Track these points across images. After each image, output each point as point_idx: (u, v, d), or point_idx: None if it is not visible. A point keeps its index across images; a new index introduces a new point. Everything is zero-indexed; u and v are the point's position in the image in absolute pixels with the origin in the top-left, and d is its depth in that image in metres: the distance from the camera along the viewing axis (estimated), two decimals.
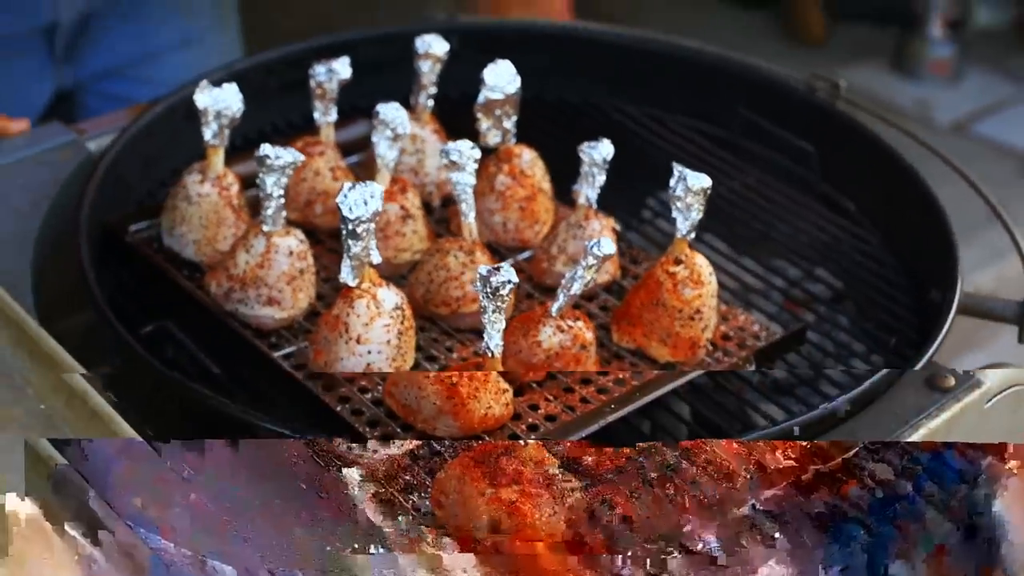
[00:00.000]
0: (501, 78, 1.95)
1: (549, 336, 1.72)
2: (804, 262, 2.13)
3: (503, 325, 1.63)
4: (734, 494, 1.46)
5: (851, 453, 1.51)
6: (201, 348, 1.83)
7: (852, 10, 6.02)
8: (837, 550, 1.44)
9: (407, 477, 1.49)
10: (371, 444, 1.52)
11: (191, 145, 2.15)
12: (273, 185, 1.78)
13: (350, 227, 1.67)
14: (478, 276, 1.61)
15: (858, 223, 2.16)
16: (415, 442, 1.54)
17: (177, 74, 2.35)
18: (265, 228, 1.80)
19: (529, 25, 2.47)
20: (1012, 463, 1.51)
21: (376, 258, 1.71)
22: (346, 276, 1.70)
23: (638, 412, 1.73)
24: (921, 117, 5.31)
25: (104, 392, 1.56)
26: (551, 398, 1.72)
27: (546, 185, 2.01)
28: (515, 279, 1.61)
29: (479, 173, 1.88)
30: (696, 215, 1.78)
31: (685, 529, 1.43)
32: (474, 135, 1.95)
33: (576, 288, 1.71)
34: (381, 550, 1.40)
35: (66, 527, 1.42)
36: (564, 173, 2.00)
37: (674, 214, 1.79)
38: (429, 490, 1.47)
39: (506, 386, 1.67)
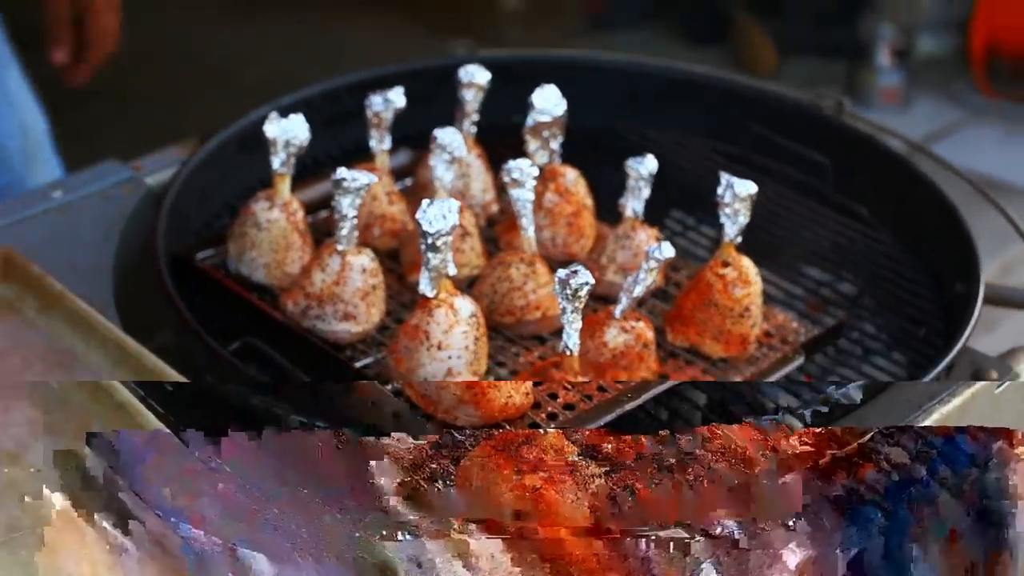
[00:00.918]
0: (548, 101, 2.08)
1: (614, 336, 1.85)
2: (824, 266, 2.26)
3: (580, 325, 1.76)
4: (752, 479, 1.50)
5: (867, 438, 1.55)
6: (285, 361, 1.93)
7: (800, 44, 6.21)
8: (855, 533, 1.49)
9: (432, 465, 1.51)
10: (396, 434, 1.54)
11: (241, 178, 2.28)
12: (348, 206, 1.89)
13: (430, 240, 1.79)
14: (557, 279, 1.73)
15: (873, 227, 2.31)
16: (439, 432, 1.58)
17: None
18: (339, 247, 1.92)
19: (550, 56, 2.61)
20: (1021, 447, 1.55)
21: (452, 270, 1.82)
22: (425, 287, 1.81)
23: (655, 400, 1.84)
24: None
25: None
26: (568, 387, 1.82)
27: (589, 202, 2.14)
28: (592, 281, 1.74)
29: None
30: (743, 220, 1.91)
31: (706, 514, 1.47)
32: (508, 159, 2.08)
33: (638, 291, 1.84)
34: (409, 537, 1.44)
35: (96, 518, 1.46)
36: (596, 193, 2.15)
37: (722, 219, 1.92)
38: (454, 478, 1.50)
39: None
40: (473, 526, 1.45)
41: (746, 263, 1.94)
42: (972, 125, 5.82)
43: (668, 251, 1.82)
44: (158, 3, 5.89)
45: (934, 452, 1.53)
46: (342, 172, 1.88)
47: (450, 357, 1.81)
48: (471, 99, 2.18)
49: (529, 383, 1.78)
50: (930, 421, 1.80)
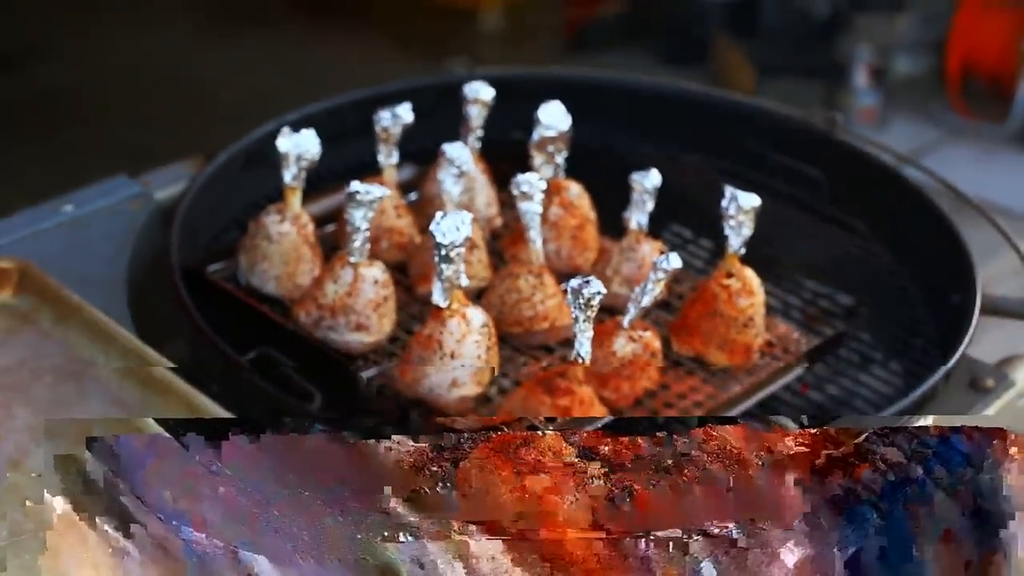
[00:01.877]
0: (554, 117, 2.13)
1: (623, 345, 1.89)
2: (821, 279, 2.31)
3: (591, 334, 1.79)
4: (749, 479, 1.51)
5: (862, 438, 1.55)
6: (296, 371, 1.95)
7: (778, 65, 6.27)
8: (852, 532, 1.50)
9: (432, 468, 1.51)
10: (396, 436, 1.54)
11: (247, 194, 2.32)
12: (361, 219, 1.93)
13: (443, 252, 1.82)
14: (569, 289, 1.77)
15: (868, 240, 2.36)
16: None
17: None
18: (352, 259, 1.95)
19: (546, 75, 2.66)
20: (1014, 448, 1.56)
21: (464, 281, 1.86)
22: (438, 298, 1.85)
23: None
24: None
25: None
26: None
27: (592, 215, 2.18)
28: (604, 290, 1.78)
29: None
30: (747, 232, 1.96)
31: (704, 514, 1.48)
32: (509, 174, 2.12)
33: (646, 300, 1.88)
34: (410, 538, 1.45)
35: (98, 522, 1.47)
36: (595, 207, 2.20)
37: (726, 231, 1.97)
38: (454, 480, 1.50)
39: None
40: (473, 527, 1.47)
41: (750, 274, 1.98)
42: (948, 145, 5.90)
43: (676, 262, 1.86)
44: (134, 25, 5.92)
45: (929, 452, 1.55)
46: (356, 185, 1.92)
47: (463, 366, 1.85)
48: (475, 115, 2.22)
49: None
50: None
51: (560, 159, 2.16)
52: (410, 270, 2.12)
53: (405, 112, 2.14)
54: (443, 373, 1.85)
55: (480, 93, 2.21)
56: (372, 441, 1.52)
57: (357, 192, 1.91)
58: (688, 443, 1.54)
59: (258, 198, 2.35)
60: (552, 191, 2.15)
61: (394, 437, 1.53)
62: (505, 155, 2.37)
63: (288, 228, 2.05)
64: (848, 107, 5.96)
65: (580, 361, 1.80)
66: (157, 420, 1.64)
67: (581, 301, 1.77)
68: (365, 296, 1.95)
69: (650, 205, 2.07)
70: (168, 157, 2.48)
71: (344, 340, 1.95)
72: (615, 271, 2.08)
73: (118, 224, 2.19)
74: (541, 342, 2.00)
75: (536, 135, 2.14)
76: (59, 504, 1.50)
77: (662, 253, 2.09)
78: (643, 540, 1.47)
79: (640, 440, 1.53)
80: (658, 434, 1.54)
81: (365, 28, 6.41)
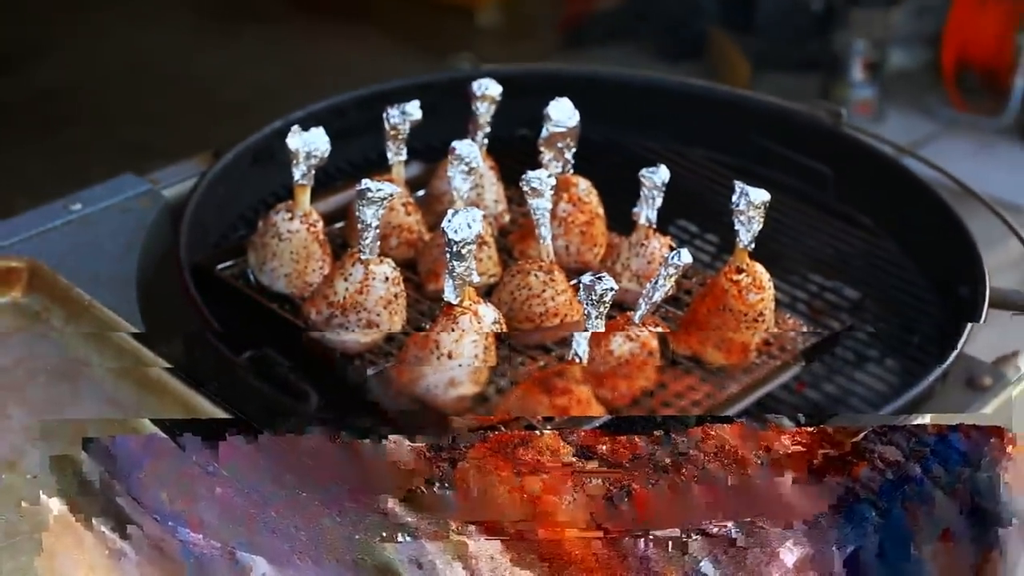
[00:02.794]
0: (563, 113, 2.13)
1: (620, 344, 1.89)
2: (827, 273, 2.31)
3: (599, 329, 1.80)
4: (747, 478, 1.53)
5: (860, 436, 1.57)
6: (293, 371, 1.94)
7: (774, 59, 6.28)
8: (851, 531, 1.51)
9: (430, 467, 1.52)
10: (393, 436, 1.54)
11: (254, 191, 2.32)
12: (372, 216, 1.93)
13: (455, 249, 1.83)
14: (582, 285, 1.78)
15: (875, 235, 2.36)
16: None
17: None
18: (363, 257, 1.95)
19: (551, 71, 2.66)
20: (1011, 446, 1.58)
21: (475, 277, 1.87)
22: (449, 294, 1.86)
23: None
24: None
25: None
26: None
27: (601, 211, 2.19)
28: (616, 286, 1.78)
29: None
30: (757, 227, 1.96)
31: (702, 513, 1.49)
32: (515, 170, 2.13)
33: (657, 296, 1.89)
34: (409, 538, 1.46)
35: (94, 523, 1.48)
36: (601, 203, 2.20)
37: (736, 226, 1.97)
38: (452, 480, 1.51)
39: None
40: (472, 527, 1.48)
41: (760, 269, 1.99)
42: (944, 138, 5.91)
43: (686, 257, 1.87)
44: (133, 23, 5.92)
45: (927, 451, 1.56)
46: (367, 183, 1.92)
47: (459, 366, 1.85)
48: (484, 111, 2.22)
49: None
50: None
51: (569, 155, 2.17)
52: (419, 267, 2.13)
53: (414, 109, 2.14)
54: (440, 373, 1.86)
55: (488, 89, 2.22)
56: (369, 441, 1.53)
57: (368, 189, 1.92)
58: (686, 442, 1.55)
59: (266, 195, 2.36)
60: (561, 187, 2.15)
61: (391, 437, 1.54)
62: (511, 151, 2.38)
63: (298, 226, 2.05)
64: (844, 100, 5.97)
65: (577, 360, 1.81)
66: (153, 420, 1.65)
67: (594, 297, 1.77)
68: (376, 293, 1.95)
69: (659, 201, 2.07)
70: (169, 155, 2.48)
71: (340, 339, 1.95)
72: (624, 267, 2.09)
73: (127, 222, 2.20)
74: (538, 341, 2.00)
75: (545, 131, 2.14)
76: (55, 505, 1.50)
77: (672, 249, 2.11)
78: (642, 540, 1.48)
79: (638, 439, 1.55)
80: (656, 433, 1.56)
81: (363, 24, 6.41)
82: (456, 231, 1.82)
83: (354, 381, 1.91)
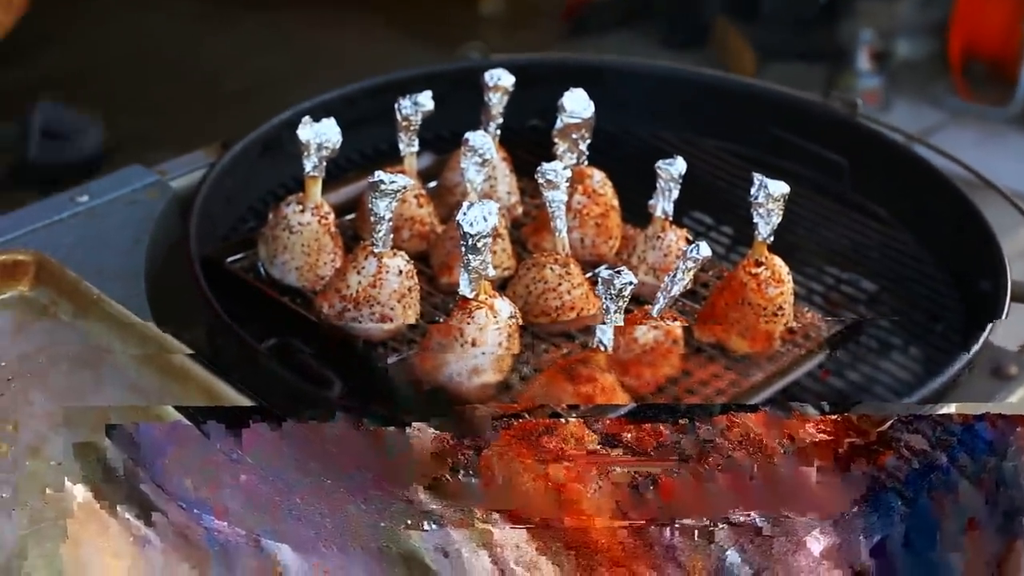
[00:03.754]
0: (578, 104, 2.10)
1: (644, 332, 1.87)
2: (843, 264, 2.29)
3: (621, 324, 1.77)
4: (772, 467, 1.52)
5: (886, 425, 1.56)
6: (316, 358, 1.92)
7: (779, 48, 6.24)
8: (877, 520, 1.52)
9: (455, 455, 1.51)
10: (417, 423, 1.54)
11: (263, 182, 2.29)
12: (385, 209, 1.90)
13: (471, 242, 1.80)
14: (600, 279, 1.75)
15: (891, 226, 2.33)
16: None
17: None
18: (376, 249, 1.92)
19: (562, 60, 2.63)
20: None
21: (491, 271, 1.84)
22: (465, 288, 1.83)
23: None
24: None
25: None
26: None
27: (615, 203, 2.16)
28: (635, 280, 1.75)
29: None
30: (776, 219, 1.93)
31: (727, 502, 1.49)
32: (527, 161, 2.10)
33: (676, 290, 1.86)
34: (434, 527, 1.46)
35: (119, 510, 1.47)
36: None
37: (755, 219, 1.94)
38: (477, 467, 1.51)
39: None
40: (497, 515, 1.47)
41: (779, 262, 1.96)
42: (951, 127, 5.88)
43: (705, 251, 1.84)
44: (135, 10, 5.88)
45: (954, 439, 1.55)
46: (379, 175, 1.89)
47: (483, 354, 1.82)
48: (496, 102, 2.19)
49: None
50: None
51: (584, 146, 2.14)
52: (432, 260, 2.10)
53: (426, 100, 2.11)
54: (463, 361, 1.83)
55: (501, 79, 2.19)
56: (394, 428, 1.52)
57: (381, 182, 1.89)
58: (711, 430, 1.55)
59: (275, 187, 2.33)
60: (576, 179, 2.12)
61: (415, 424, 1.53)
62: (523, 142, 2.35)
63: (309, 218, 2.02)
64: (851, 90, 5.93)
65: (602, 348, 1.78)
66: (177, 408, 1.63)
67: (612, 292, 1.75)
68: (389, 287, 1.92)
69: (675, 193, 2.04)
70: (173, 143, 2.45)
71: (364, 326, 1.92)
72: (640, 259, 2.06)
73: (135, 214, 2.17)
74: (559, 331, 1.98)
75: (560, 122, 2.11)
76: (79, 492, 1.49)
77: (688, 242, 2.08)
78: (668, 528, 1.47)
79: (663, 427, 1.54)
80: (681, 421, 1.55)
81: (365, 12, 6.37)
82: (472, 224, 1.79)
83: (377, 369, 1.88)
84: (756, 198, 1.92)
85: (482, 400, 1.83)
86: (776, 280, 1.94)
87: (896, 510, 1.51)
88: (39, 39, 5.56)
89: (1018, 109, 5.96)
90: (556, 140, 2.12)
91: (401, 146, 2.14)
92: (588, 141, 2.13)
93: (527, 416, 1.69)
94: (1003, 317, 1.95)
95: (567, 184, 1.97)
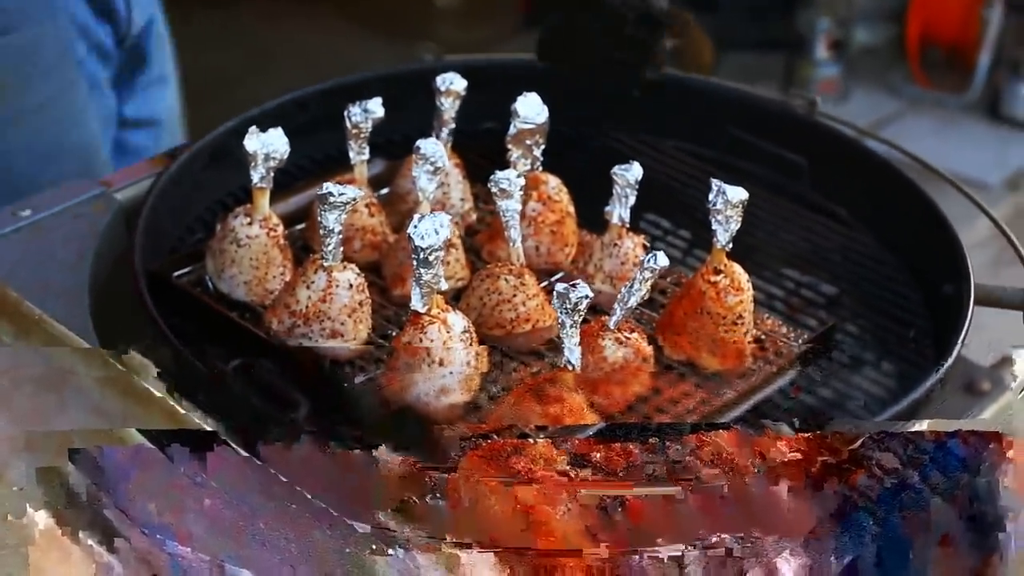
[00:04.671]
0: (531, 109, 2.06)
1: (613, 351, 1.82)
2: (803, 268, 2.25)
3: (579, 338, 1.73)
4: (743, 487, 1.50)
5: (857, 443, 1.54)
6: (281, 379, 1.87)
7: (737, 38, 6.22)
8: (848, 540, 1.50)
9: (422, 478, 1.49)
10: (384, 446, 1.53)
11: (211, 192, 2.24)
12: (334, 221, 1.86)
13: (422, 255, 1.75)
14: (556, 293, 1.71)
15: (852, 227, 2.29)
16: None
17: None
18: (325, 263, 1.88)
19: (517, 61, 2.58)
20: (1010, 451, 1.56)
21: (444, 285, 1.80)
22: (416, 303, 1.78)
23: None
24: None
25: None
26: None
27: (572, 209, 2.12)
28: (591, 293, 1.71)
29: None
30: (735, 226, 1.90)
31: (698, 524, 1.47)
32: (481, 166, 2.05)
33: (633, 301, 1.82)
34: (400, 551, 1.44)
35: (81, 536, 1.46)
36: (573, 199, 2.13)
37: (713, 226, 1.90)
38: (444, 490, 1.48)
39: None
40: (464, 539, 1.45)
41: (738, 270, 1.92)
42: (909, 116, 5.88)
43: (663, 260, 1.80)
44: None
45: (926, 457, 1.54)
46: (328, 187, 1.84)
47: (451, 373, 1.78)
48: (448, 106, 2.14)
49: None
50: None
51: (538, 152, 2.09)
52: (384, 271, 2.05)
53: (376, 107, 2.06)
54: (431, 381, 1.79)
55: (453, 84, 2.14)
56: (359, 451, 1.50)
57: (330, 194, 1.84)
58: (681, 450, 1.53)
59: (224, 196, 2.28)
60: (530, 185, 2.08)
61: (382, 447, 1.51)
62: (477, 146, 2.31)
63: (257, 231, 1.97)
64: (809, 79, 5.93)
65: (570, 368, 1.74)
66: (141, 431, 1.59)
67: (568, 305, 1.70)
68: (340, 301, 1.87)
69: (632, 199, 2.00)
70: None
71: (331, 347, 1.88)
72: (597, 268, 2.02)
73: (80, 228, 2.11)
74: (523, 346, 1.93)
75: (513, 128, 2.07)
76: (41, 518, 1.48)
77: (646, 249, 2.04)
78: (638, 552, 1.45)
79: (632, 447, 1.52)
80: (650, 441, 1.53)
81: (323, 6, 6.33)
82: (423, 237, 1.75)
83: (343, 389, 1.83)
84: (714, 204, 1.89)
85: (450, 421, 1.78)
86: (735, 288, 1.91)
87: (868, 529, 1.50)
88: None
89: (976, 96, 5.95)
90: (510, 146, 2.08)
91: (351, 154, 2.09)
92: (542, 147, 2.09)
93: (495, 437, 1.66)
94: (966, 329, 1.91)
95: (521, 192, 1.93)
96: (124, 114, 2.77)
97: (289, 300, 1.89)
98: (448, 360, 1.77)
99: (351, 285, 1.88)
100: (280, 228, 2.00)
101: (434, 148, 1.98)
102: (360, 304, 1.89)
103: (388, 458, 1.51)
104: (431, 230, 1.75)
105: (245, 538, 1.44)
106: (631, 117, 2.50)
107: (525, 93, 2.07)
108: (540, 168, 2.11)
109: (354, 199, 1.85)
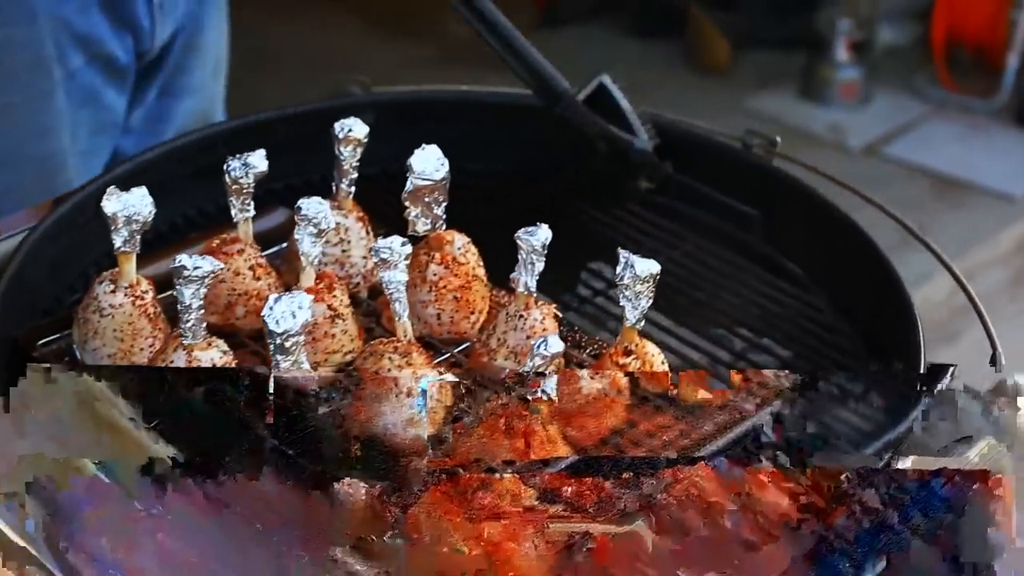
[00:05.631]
0: (429, 164, 1.84)
1: (588, 383, 1.68)
2: (750, 331, 2.04)
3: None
4: (717, 524, 1.45)
5: (839, 481, 1.49)
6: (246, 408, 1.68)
7: (755, 37, 6.00)
8: None
9: (381, 514, 1.45)
10: (346, 479, 1.47)
11: (99, 246, 2.04)
12: (192, 296, 1.66)
13: (278, 342, 1.56)
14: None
15: (805, 288, 2.08)
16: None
17: None
18: (185, 342, 1.68)
19: (447, 95, 2.37)
20: (997, 490, 1.50)
21: (306, 366, 1.60)
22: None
23: None
24: (835, 142, 5.27)
25: None
26: None
27: (480, 271, 1.91)
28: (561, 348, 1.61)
29: (409, 263, 1.77)
30: (646, 303, 1.69)
31: (670, 561, 1.43)
32: (397, 217, 1.85)
33: None
34: None
35: (28, 570, 1.40)
36: (496, 252, 1.89)
37: (622, 302, 1.70)
38: (403, 527, 1.44)
39: None
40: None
41: (651, 350, 1.72)
42: (933, 120, 5.61)
43: (555, 346, 1.60)
44: None
45: (907, 498, 1.49)
46: (183, 259, 1.64)
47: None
48: (348, 155, 1.93)
49: None
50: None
51: (439, 210, 1.87)
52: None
53: (258, 161, 1.85)
54: (399, 412, 1.62)
55: (352, 131, 1.92)
56: (321, 485, 1.47)
57: (184, 267, 1.64)
58: (655, 485, 1.49)
59: (112, 249, 2.08)
60: (432, 246, 1.87)
61: (344, 480, 1.47)
62: (396, 187, 2.09)
63: (122, 299, 1.77)
64: (828, 82, 5.70)
65: (545, 399, 1.58)
66: (96, 462, 1.50)
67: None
68: None
69: (540, 266, 1.78)
70: None
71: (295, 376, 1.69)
72: (500, 341, 1.80)
73: None
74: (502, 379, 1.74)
75: (410, 184, 1.85)
76: None
77: (557, 320, 1.83)
78: None
79: (604, 482, 1.49)
80: (624, 475, 1.49)
81: (327, 2, 6.22)
82: (278, 321, 1.55)
83: (308, 419, 1.64)
84: (622, 279, 1.67)
85: (417, 452, 1.62)
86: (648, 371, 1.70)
87: (844, 572, 1.46)
88: None
89: (1004, 101, 5.68)
90: (407, 204, 1.86)
91: (233, 211, 1.88)
92: (444, 203, 1.87)
93: (462, 471, 1.56)
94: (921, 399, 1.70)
95: (407, 262, 1.71)
96: (130, 122, 2.59)
97: None
98: (416, 391, 1.62)
99: (214, 365, 1.68)
100: (149, 295, 1.80)
101: (317, 208, 1.77)
102: None
103: (351, 491, 1.47)
104: (288, 313, 1.56)
105: (199, 574, 1.40)
106: (571, 157, 2.28)
107: (424, 145, 1.85)
108: (443, 227, 1.89)
109: (211, 272, 1.65)
